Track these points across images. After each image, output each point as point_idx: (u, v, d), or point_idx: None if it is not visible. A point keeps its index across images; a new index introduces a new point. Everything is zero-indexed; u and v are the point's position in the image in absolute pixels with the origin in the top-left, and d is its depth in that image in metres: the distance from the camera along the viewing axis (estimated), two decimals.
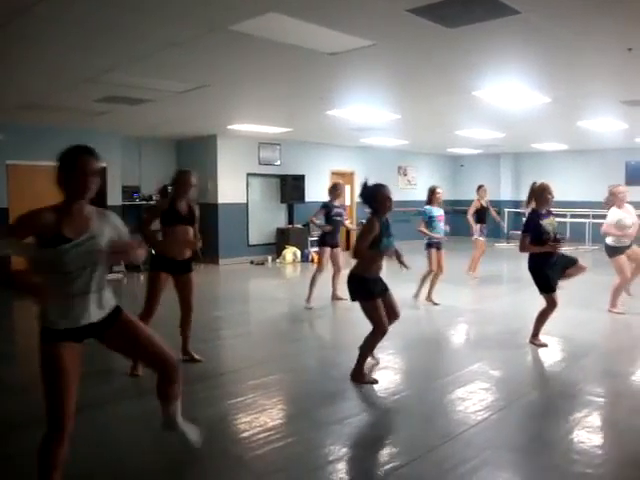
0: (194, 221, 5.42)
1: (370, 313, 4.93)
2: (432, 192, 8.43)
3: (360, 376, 5.08)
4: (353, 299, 5.03)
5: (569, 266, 6.09)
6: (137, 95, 7.90)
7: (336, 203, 8.58)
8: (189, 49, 5.56)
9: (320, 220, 8.54)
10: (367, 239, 4.85)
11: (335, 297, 8.70)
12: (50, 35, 5.11)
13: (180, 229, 5.31)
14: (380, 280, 5.04)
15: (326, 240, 8.53)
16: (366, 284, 4.92)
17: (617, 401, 4.74)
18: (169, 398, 3.21)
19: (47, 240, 2.67)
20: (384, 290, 5.05)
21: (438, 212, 8.36)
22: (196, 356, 5.63)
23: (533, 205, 6.05)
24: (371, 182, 5.12)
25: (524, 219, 6.21)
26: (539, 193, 6.02)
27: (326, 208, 8.53)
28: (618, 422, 4.29)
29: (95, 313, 2.85)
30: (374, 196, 5.01)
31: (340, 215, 8.59)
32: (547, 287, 5.95)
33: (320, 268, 8.43)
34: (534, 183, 6.20)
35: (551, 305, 5.99)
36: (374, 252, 4.89)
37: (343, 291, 5.38)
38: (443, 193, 8.67)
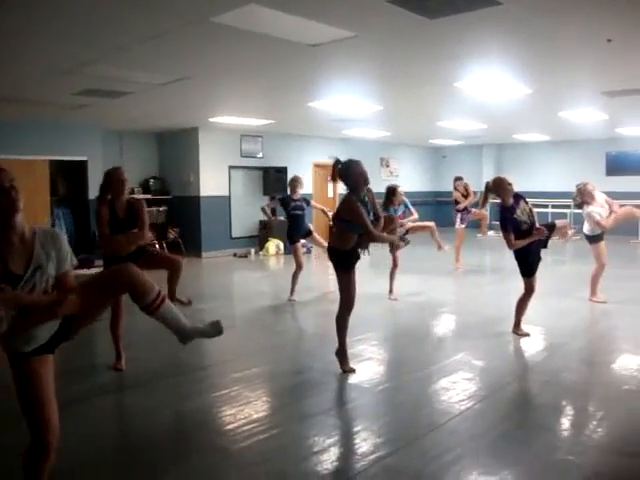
0: (137, 220, 5.07)
1: (343, 284, 4.97)
2: (393, 193, 8.02)
3: (343, 355, 5.11)
4: (335, 268, 5.06)
5: (551, 231, 6.15)
6: (118, 88, 7.81)
7: (295, 197, 8.38)
8: (170, 41, 5.50)
9: (268, 211, 9.01)
10: (363, 216, 4.78)
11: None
12: (30, 26, 5.01)
13: (120, 238, 5.01)
14: (356, 248, 5.04)
15: (293, 236, 8.36)
16: (347, 257, 4.96)
17: (598, 389, 4.80)
18: (151, 305, 2.81)
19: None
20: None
21: (397, 214, 8.10)
22: (183, 299, 5.34)
23: (497, 200, 6.08)
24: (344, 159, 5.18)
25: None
26: (497, 188, 6.03)
27: (282, 201, 8.49)
28: (599, 410, 4.35)
29: (54, 325, 2.67)
30: (347, 173, 5.02)
31: (300, 209, 8.33)
32: (528, 272, 6.06)
33: (298, 266, 8.23)
34: (487, 182, 6.28)
35: (529, 290, 6.09)
36: (351, 232, 4.89)
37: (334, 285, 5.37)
38: (409, 187, 8.41)
